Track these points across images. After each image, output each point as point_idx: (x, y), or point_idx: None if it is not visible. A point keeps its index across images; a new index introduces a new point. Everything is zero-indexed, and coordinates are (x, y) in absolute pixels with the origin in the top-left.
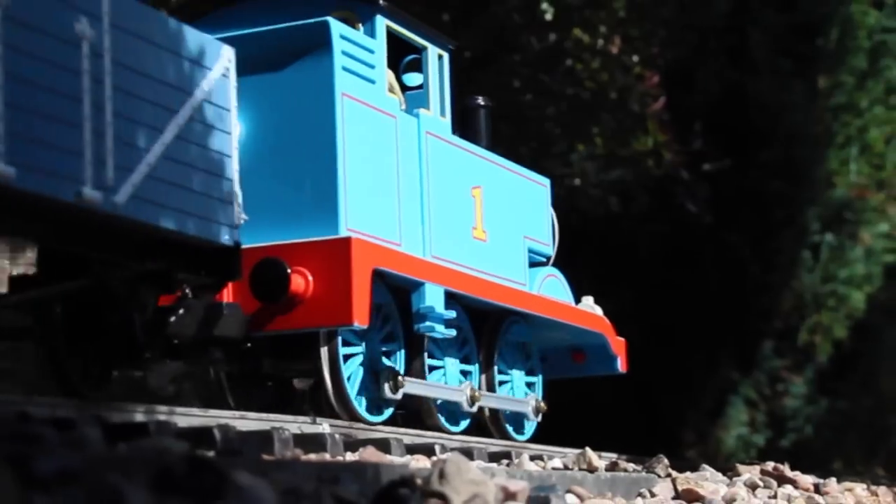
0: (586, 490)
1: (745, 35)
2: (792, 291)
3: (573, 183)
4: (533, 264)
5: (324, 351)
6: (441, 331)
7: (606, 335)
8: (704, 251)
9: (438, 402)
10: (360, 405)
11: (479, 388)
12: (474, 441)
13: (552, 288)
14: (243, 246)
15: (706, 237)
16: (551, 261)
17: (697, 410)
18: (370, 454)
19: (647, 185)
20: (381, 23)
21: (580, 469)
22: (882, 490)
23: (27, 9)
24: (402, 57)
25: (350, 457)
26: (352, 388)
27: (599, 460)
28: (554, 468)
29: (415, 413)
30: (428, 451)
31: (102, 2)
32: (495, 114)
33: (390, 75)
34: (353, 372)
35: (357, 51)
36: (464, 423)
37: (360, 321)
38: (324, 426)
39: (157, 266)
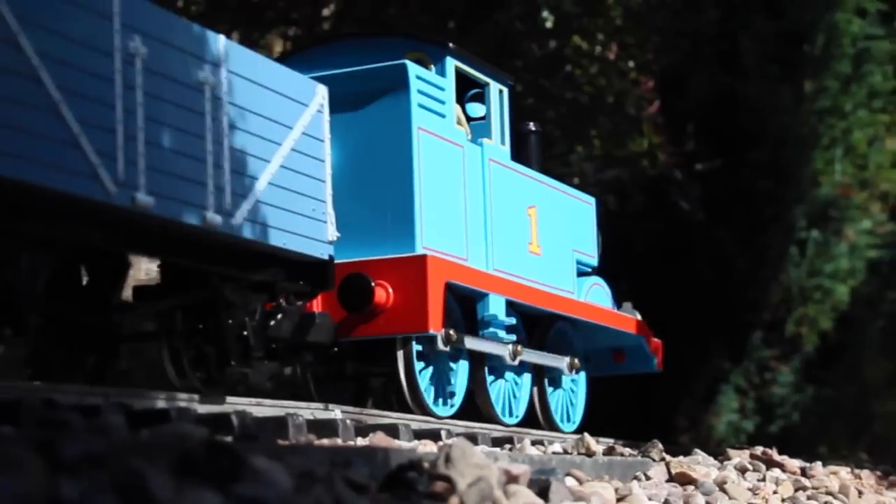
0: (585, 473)
1: (735, 42)
2: (780, 285)
3: (572, 182)
4: (580, 273)
5: (400, 354)
6: (503, 336)
7: (644, 337)
8: (697, 247)
9: (495, 398)
10: (431, 401)
11: (532, 383)
12: (478, 427)
13: (597, 295)
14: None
15: (698, 234)
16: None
17: (690, 398)
18: (380, 439)
19: (642, 184)
20: (451, 63)
21: (579, 453)
22: (865, 473)
23: (162, 60)
24: (466, 90)
25: (361, 442)
26: (424, 386)
27: (597, 445)
28: (554, 453)
29: (475, 409)
30: (434, 436)
31: (220, 52)
32: None
33: (457, 108)
34: (424, 372)
35: (430, 89)
36: (516, 417)
37: (435, 328)
38: (336, 412)
39: (263, 277)
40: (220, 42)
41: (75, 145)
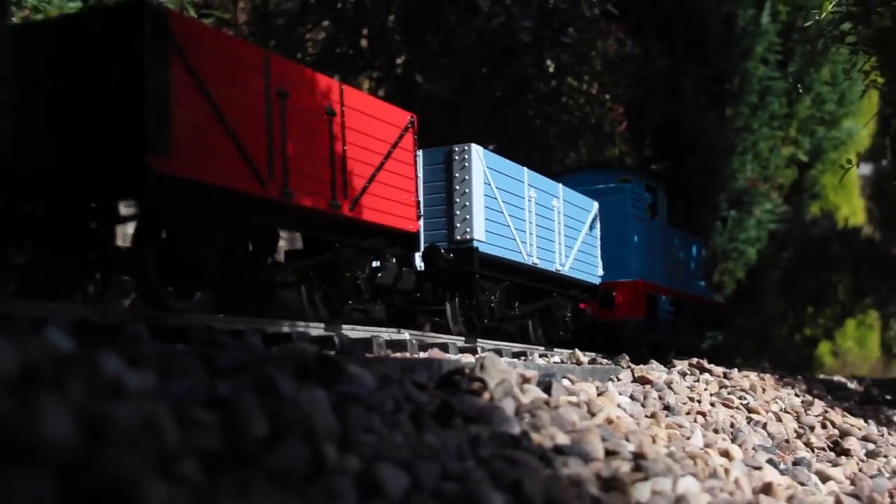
0: (576, 377)
1: (678, 81)
2: (709, 248)
3: None
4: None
5: (624, 328)
6: (669, 315)
7: (726, 312)
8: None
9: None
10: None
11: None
12: (503, 344)
13: (703, 291)
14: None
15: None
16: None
17: None
18: (436, 353)
19: None
20: (643, 182)
21: (571, 363)
22: (767, 377)
23: (541, 198)
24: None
25: (422, 355)
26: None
27: (584, 357)
28: (555, 362)
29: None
30: (473, 351)
31: (559, 191)
32: (517, 132)
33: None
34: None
35: (635, 195)
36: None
37: (642, 315)
38: (405, 335)
39: (574, 293)
40: (559, 187)
41: (515, 239)
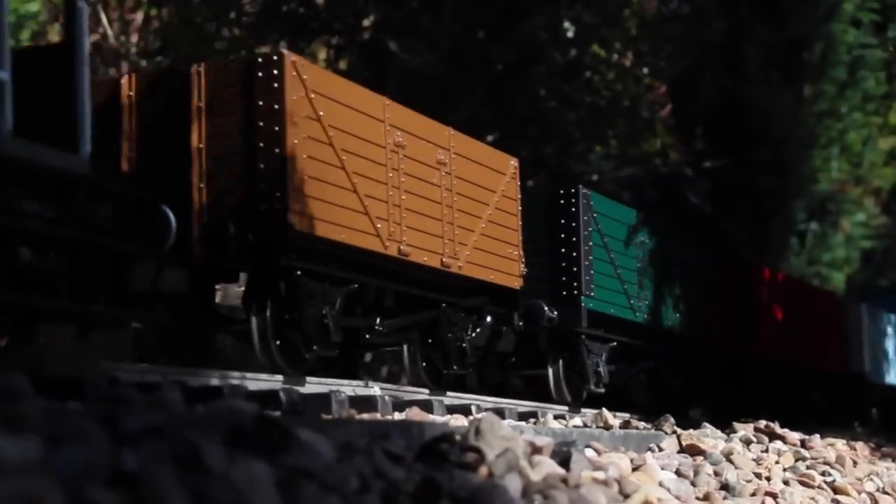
0: (603, 445)
1: (740, 50)
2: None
3: (592, 179)
4: None
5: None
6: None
7: None
8: (705, 238)
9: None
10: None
11: None
12: (505, 402)
13: None
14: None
15: (707, 226)
16: None
17: None
18: (415, 414)
19: (655, 180)
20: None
21: (598, 427)
22: (860, 445)
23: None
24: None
25: (398, 416)
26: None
27: (614, 419)
28: (575, 426)
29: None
30: (465, 410)
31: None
32: (525, 119)
33: None
34: None
35: None
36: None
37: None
38: (374, 389)
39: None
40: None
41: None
